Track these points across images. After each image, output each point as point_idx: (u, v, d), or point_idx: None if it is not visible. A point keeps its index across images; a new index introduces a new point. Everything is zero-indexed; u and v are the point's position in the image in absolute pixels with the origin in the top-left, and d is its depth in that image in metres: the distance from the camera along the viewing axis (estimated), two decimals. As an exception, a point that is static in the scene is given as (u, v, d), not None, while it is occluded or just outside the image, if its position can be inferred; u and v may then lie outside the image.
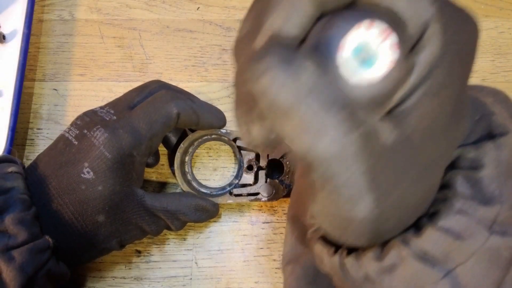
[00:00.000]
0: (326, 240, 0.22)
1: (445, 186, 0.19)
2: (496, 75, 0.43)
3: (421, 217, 0.18)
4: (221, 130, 0.36)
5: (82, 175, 0.29)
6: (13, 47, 0.39)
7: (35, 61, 0.42)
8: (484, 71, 0.43)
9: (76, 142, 0.30)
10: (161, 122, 0.31)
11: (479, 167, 0.18)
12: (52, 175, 0.30)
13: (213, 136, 0.38)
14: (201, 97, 0.37)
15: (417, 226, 0.18)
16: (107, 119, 0.31)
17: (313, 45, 0.14)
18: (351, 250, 0.20)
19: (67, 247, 0.30)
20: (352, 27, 0.14)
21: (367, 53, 0.14)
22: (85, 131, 0.30)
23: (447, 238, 0.17)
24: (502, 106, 0.20)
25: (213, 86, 0.42)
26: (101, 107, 0.32)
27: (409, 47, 0.15)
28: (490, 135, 0.19)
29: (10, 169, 0.29)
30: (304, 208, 0.26)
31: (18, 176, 0.29)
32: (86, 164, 0.29)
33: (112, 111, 0.31)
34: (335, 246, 0.21)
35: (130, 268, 0.36)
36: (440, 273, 0.17)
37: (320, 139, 0.14)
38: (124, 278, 0.36)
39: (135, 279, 0.36)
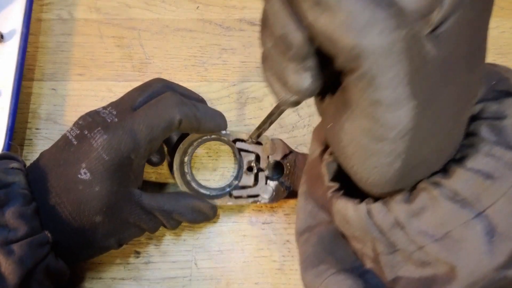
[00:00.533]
0: (348, 195, 0.22)
1: (470, 134, 0.19)
2: (497, 75, 0.43)
3: (448, 162, 0.19)
4: (221, 131, 0.36)
5: (79, 175, 0.29)
6: (12, 47, 0.39)
7: (33, 60, 0.42)
8: (485, 71, 0.43)
9: (75, 142, 0.30)
10: (162, 127, 0.31)
11: (502, 118, 0.19)
12: (51, 173, 0.30)
13: (212, 136, 0.38)
14: (201, 97, 0.37)
15: (445, 170, 0.19)
16: (109, 120, 0.31)
17: None
18: (377, 199, 0.20)
19: (65, 244, 0.30)
20: None
21: None
22: (86, 132, 0.30)
23: (478, 179, 0.18)
24: None
25: (212, 86, 0.42)
26: (104, 108, 0.32)
27: None
28: (509, 93, 0.20)
29: (11, 165, 0.30)
30: (319, 185, 0.26)
31: (19, 172, 0.29)
32: (83, 165, 0.29)
33: (115, 112, 0.31)
34: (360, 198, 0.21)
35: (129, 269, 0.36)
36: (471, 213, 0.18)
37: (368, 32, 0.14)
38: (123, 279, 0.36)
39: (134, 280, 0.36)
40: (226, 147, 0.40)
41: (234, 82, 0.42)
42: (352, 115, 0.17)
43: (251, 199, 0.36)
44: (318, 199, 0.27)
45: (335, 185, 0.23)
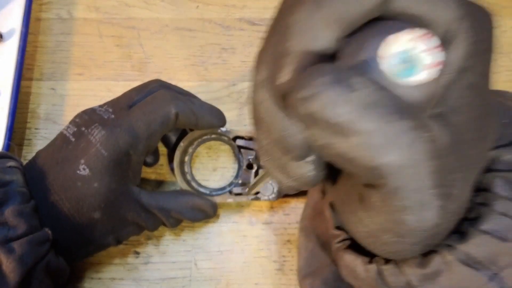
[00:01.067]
0: (356, 249, 0.21)
1: (484, 189, 0.18)
2: (499, 74, 0.42)
3: (462, 222, 0.18)
4: (221, 128, 0.36)
5: (78, 172, 0.29)
6: (11, 46, 0.39)
7: (32, 60, 0.42)
8: (487, 70, 0.42)
9: (73, 139, 0.30)
10: (159, 122, 0.31)
11: None
12: (49, 171, 0.30)
13: (213, 136, 0.37)
14: (201, 97, 0.36)
15: (459, 232, 0.18)
16: (106, 117, 0.31)
17: (356, 61, 0.14)
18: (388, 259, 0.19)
19: (64, 242, 0.30)
20: (392, 37, 0.14)
21: (413, 59, 0.14)
22: (83, 129, 0.30)
23: (493, 241, 0.17)
24: None
25: (212, 86, 0.41)
26: (100, 106, 0.32)
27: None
28: None
29: (9, 164, 0.30)
30: (322, 219, 0.26)
31: (17, 171, 0.29)
32: (82, 161, 0.29)
33: (111, 110, 0.31)
34: (370, 255, 0.20)
35: (128, 269, 0.36)
36: (486, 276, 0.17)
37: (388, 151, 0.14)
38: (122, 279, 0.36)
39: (133, 280, 0.36)
40: (226, 147, 0.39)
41: (234, 81, 0.42)
42: (372, 214, 0.16)
43: (251, 197, 0.36)
44: (320, 235, 0.27)
45: (341, 235, 0.22)
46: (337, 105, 0.13)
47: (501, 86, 0.42)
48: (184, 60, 0.42)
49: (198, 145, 0.38)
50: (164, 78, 0.41)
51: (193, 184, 0.37)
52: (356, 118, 0.13)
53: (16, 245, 0.26)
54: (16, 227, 0.27)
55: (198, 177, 0.38)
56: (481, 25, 0.15)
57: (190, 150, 0.38)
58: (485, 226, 0.17)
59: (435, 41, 0.14)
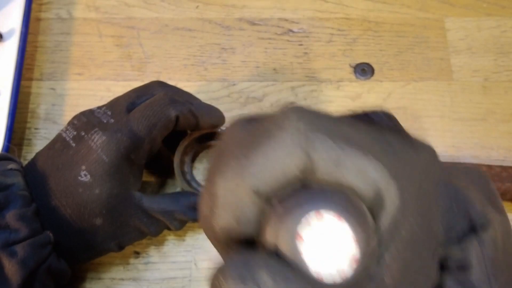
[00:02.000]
0: None
1: None
2: (498, 74, 0.42)
3: None
4: (221, 128, 0.36)
5: (79, 178, 0.29)
6: (11, 46, 0.39)
7: (32, 60, 0.42)
8: (487, 71, 0.42)
9: (73, 144, 0.30)
10: (160, 126, 0.30)
11: (467, 268, 0.18)
12: (50, 177, 0.30)
13: (212, 136, 0.37)
14: (200, 97, 0.36)
15: None
16: (105, 121, 0.31)
17: (273, 243, 0.14)
18: None
19: (65, 246, 0.30)
20: (303, 225, 0.13)
21: (329, 248, 0.13)
22: (83, 133, 0.30)
23: None
24: (477, 188, 0.19)
25: (212, 85, 0.41)
26: (99, 107, 0.32)
27: (370, 217, 0.14)
28: (472, 228, 0.19)
29: (9, 166, 0.30)
30: None
31: (18, 173, 0.29)
32: (83, 167, 0.29)
33: (110, 113, 0.31)
34: None
35: (128, 269, 0.36)
36: None
37: None
38: (122, 279, 0.36)
39: (133, 280, 0.36)
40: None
41: (233, 81, 0.42)
42: None
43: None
44: None
45: None
46: None
47: (502, 86, 0.42)
48: (184, 60, 0.42)
49: (198, 145, 0.38)
50: (164, 78, 0.41)
51: (193, 184, 0.37)
52: None
53: (18, 248, 0.26)
54: (18, 230, 0.27)
55: (198, 177, 0.38)
56: (413, 179, 0.14)
57: (190, 150, 0.38)
58: None
59: (346, 230, 0.13)
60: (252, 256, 0.13)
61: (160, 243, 0.37)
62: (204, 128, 0.34)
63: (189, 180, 0.37)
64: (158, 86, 0.34)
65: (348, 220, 0.13)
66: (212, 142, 0.39)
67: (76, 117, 0.32)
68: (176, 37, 0.43)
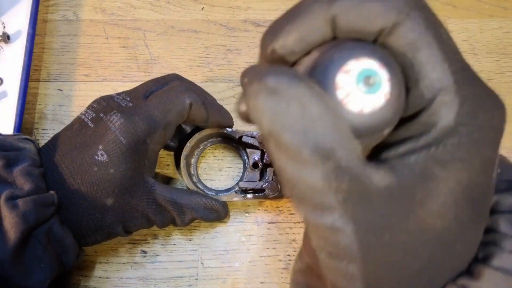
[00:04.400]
0: None
1: (490, 230, 0.19)
2: (501, 75, 0.43)
3: (473, 262, 0.18)
4: (227, 129, 0.36)
5: (96, 157, 0.30)
6: (18, 48, 0.39)
7: (39, 61, 0.42)
8: (489, 71, 0.43)
9: (92, 125, 0.31)
10: (175, 112, 0.31)
11: None
12: (66, 155, 0.30)
13: (219, 138, 0.38)
14: (207, 97, 0.37)
15: (471, 271, 0.18)
16: (123, 105, 0.31)
17: (315, 66, 0.14)
18: None
19: (74, 225, 0.30)
20: (357, 54, 0.14)
21: (369, 80, 0.14)
22: (102, 115, 0.31)
23: (506, 277, 0.17)
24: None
25: (218, 86, 0.42)
26: (118, 94, 0.33)
27: (418, 104, 0.15)
28: None
29: (24, 137, 0.31)
30: (318, 278, 0.23)
31: (31, 143, 0.31)
32: (100, 147, 0.30)
33: (128, 98, 0.32)
34: None
35: (136, 269, 0.36)
36: None
37: (305, 172, 0.13)
38: (129, 278, 0.36)
39: (140, 279, 0.36)
40: (232, 147, 0.40)
41: (239, 82, 0.42)
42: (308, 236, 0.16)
43: (257, 194, 0.36)
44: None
45: None
46: (270, 113, 0.13)
47: (504, 87, 0.42)
48: (190, 61, 0.43)
49: (204, 147, 0.38)
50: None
51: (200, 186, 0.37)
52: (282, 130, 0.13)
53: (20, 202, 0.27)
54: (23, 185, 0.27)
55: (203, 177, 0.39)
56: (478, 109, 0.15)
57: (197, 152, 0.38)
58: (496, 263, 0.18)
59: (386, 73, 0.14)
60: (295, 73, 0.14)
61: (167, 242, 0.37)
62: (212, 126, 0.35)
63: (195, 182, 0.37)
64: (175, 77, 0.35)
65: (385, 66, 0.14)
66: (218, 144, 0.40)
67: (96, 101, 0.32)
68: (182, 39, 0.43)
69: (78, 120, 0.32)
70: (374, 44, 0.15)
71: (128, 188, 0.31)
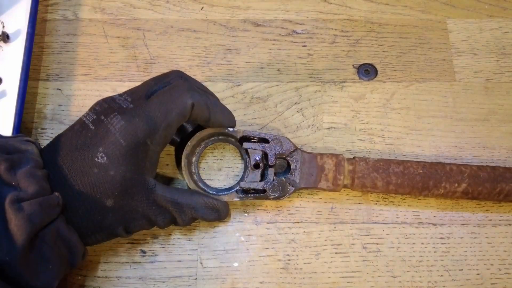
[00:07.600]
0: None
1: None
2: (500, 75, 0.43)
3: None
4: (228, 128, 0.36)
5: (96, 159, 0.30)
6: (17, 47, 0.39)
7: (39, 60, 0.42)
8: (489, 71, 0.43)
9: (92, 127, 0.31)
10: (176, 112, 0.31)
11: None
12: (68, 156, 0.30)
13: (220, 137, 0.38)
14: (206, 97, 0.37)
15: None
16: (124, 107, 0.31)
17: None
18: None
19: (75, 226, 0.30)
20: None
21: None
22: (102, 117, 0.31)
23: None
24: None
25: (217, 86, 0.42)
26: (120, 95, 0.33)
27: None
28: None
29: (25, 138, 0.31)
30: None
31: (33, 145, 0.31)
32: (100, 149, 0.30)
33: (130, 99, 0.32)
34: None
35: (135, 268, 0.36)
36: None
37: None
38: (129, 278, 0.36)
39: (140, 279, 0.36)
40: (231, 147, 0.40)
41: (238, 82, 0.42)
42: None
43: (257, 195, 0.36)
44: None
45: None
46: None
47: (504, 87, 0.42)
48: (189, 61, 0.43)
49: (205, 146, 0.38)
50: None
51: (200, 184, 0.37)
52: None
53: (25, 204, 0.27)
54: (27, 188, 0.27)
55: (203, 176, 0.39)
56: None
57: (198, 150, 0.38)
58: None
59: None
60: None
61: (166, 242, 0.37)
62: (214, 125, 0.35)
63: (196, 180, 0.37)
64: (177, 75, 0.34)
65: None
66: (219, 143, 0.40)
67: (97, 103, 0.32)
68: (181, 38, 0.43)
69: (80, 122, 0.32)
70: None
71: (128, 190, 0.31)
